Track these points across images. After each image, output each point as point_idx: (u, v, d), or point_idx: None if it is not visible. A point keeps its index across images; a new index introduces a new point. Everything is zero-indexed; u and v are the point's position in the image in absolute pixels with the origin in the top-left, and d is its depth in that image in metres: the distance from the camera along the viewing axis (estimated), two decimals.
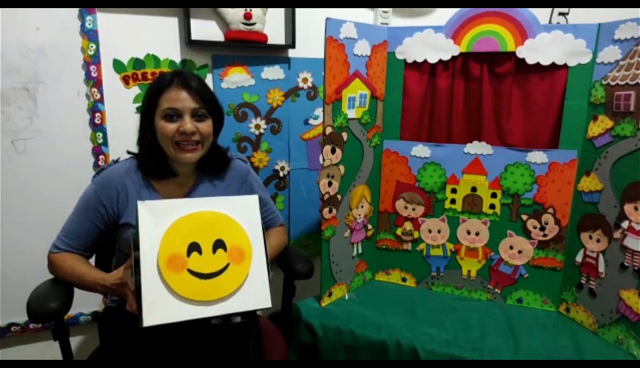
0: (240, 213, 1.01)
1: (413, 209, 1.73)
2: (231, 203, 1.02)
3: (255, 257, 0.99)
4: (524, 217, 1.61)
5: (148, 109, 1.16)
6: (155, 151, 1.18)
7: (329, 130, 1.49)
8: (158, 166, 1.19)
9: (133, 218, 1.15)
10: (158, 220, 0.93)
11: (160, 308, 0.89)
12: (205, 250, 0.95)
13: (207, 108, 1.16)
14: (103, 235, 1.21)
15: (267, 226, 1.39)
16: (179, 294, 0.90)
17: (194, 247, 0.94)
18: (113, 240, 1.25)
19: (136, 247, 0.93)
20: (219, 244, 0.96)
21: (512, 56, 1.54)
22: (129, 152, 1.27)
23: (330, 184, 1.53)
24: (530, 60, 1.51)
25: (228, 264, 0.96)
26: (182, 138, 1.13)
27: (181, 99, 1.13)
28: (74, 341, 1.73)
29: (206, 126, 1.16)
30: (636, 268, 1.35)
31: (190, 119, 1.13)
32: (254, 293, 0.98)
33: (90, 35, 1.51)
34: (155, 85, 1.16)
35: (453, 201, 1.68)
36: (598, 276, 1.47)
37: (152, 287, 0.89)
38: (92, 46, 1.52)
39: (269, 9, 1.71)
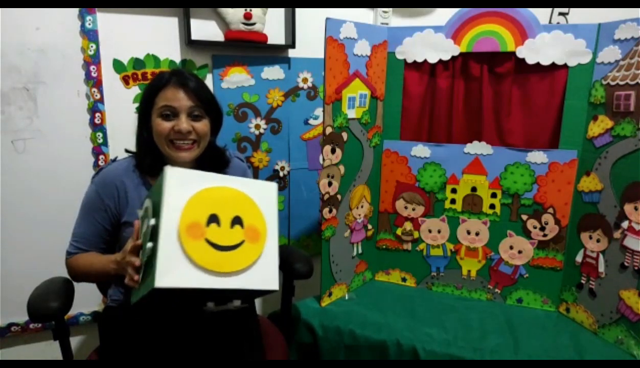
0: (259, 196, 1.02)
1: (413, 209, 1.73)
2: (252, 185, 1.03)
3: (269, 240, 1.00)
4: (524, 217, 1.61)
5: (145, 107, 1.17)
6: (152, 149, 1.18)
7: (329, 130, 1.49)
8: (154, 164, 1.19)
9: (133, 217, 1.16)
10: (183, 188, 0.94)
11: (174, 271, 0.89)
12: (224, 223, 0.95)
13: (204, 107, 1.16)
14: (111, 234, 1.21)
15: None
16: (194, 261, 0.90)
17: (214, 219, 0.94)
18: (113, 241, 1.25)
19: (154, 214, 0.94)
20: (237, 220, 0.97)
21: (512, 56, 1.54)
22: (127, 151, 1.28)
23: (330, 184, 1.53)
24: (530, 60, 1.51)
25: (243, 241, 0.96)
26: (178, 137, 1.13)
27: (178, 97, 1.13)
28: (74, 341, 1.73)
29: (202, 125, 1.16)
30: (636, 268, 1.35)
31: (186, 118, 1.14)
32: (264, 274, 0.98)
33: (90, 35, 1.51)
34: (153, 84, 1.16)
35: (453, 201, 1.68)
36: (598, 276, 1.47)
37: (169, 248, 0.90)
38: (92, 46, 1.52)
39: (269, 9, 1.72)
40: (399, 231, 1.77)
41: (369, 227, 1.77)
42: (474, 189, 1.65)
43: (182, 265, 0.90)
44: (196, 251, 0.91)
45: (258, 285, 0.98)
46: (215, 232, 0.94)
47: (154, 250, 0.90)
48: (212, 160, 1.26)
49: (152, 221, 0.93)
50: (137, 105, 1.61)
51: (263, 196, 1.02)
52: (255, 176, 1.86)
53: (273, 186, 1.06)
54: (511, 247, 1.64)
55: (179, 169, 0.96)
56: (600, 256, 1.46)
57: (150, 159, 1.19)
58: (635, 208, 1.35)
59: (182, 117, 1.13)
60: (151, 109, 1.15)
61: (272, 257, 1.00)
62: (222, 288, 0.93)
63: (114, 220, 1.19)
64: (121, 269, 1.03)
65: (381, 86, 1.66)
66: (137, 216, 1.03)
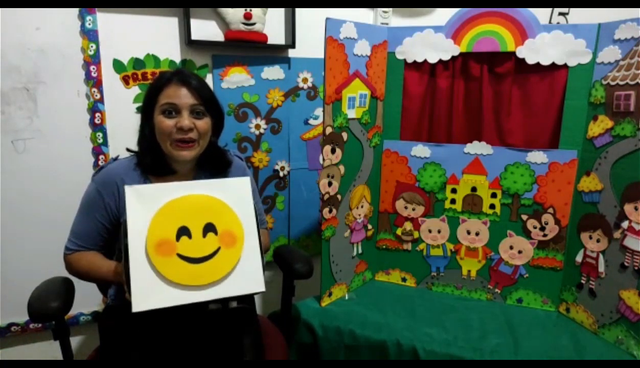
0: (231, 196, 0.99)
1: (413, 209, 1.73)
2: (222, 186, 1.00)
3: (248, 241, 0.97)
4: (524, 217, 1.61)
5: (147, 106, 1.17)
6: (154, 148, 1.18)
7: (329, 130, 1.49)
8: (156, 163, 1.20)
9: None
10: (146, 205, 0.92)
11: (150, 293, 0.88)
12: (195, 234, 0.93)
13: (205, 105, 1.17)
14: (110, 233, 1.21)
15: None
16: (168, 279, 0.89)
17: (184, 231, 0.92)
18: (113, 240, 1.25)
19: (125, 235, 0.92)
20: (209, 228, 0.94)
21: (512, 56, 1.54)
22: (128, 150, 1.28)
23: (330, 184, 1.53)
24: (530, 60, 1.51)
25: (219, 248, 0.94)
26: (179, 134, 1.14)
27: (180, 95, 1.13)
28: (74, 341, 1.73)
29: (204, 123, 1.17)
30: (636, 268, 1.35)
31: (188, 115, 1.14)
32: (247, 277, 0.96)
33: (90, 35, 1.51)
34: (155, 83, 1.18)
35: (453, 201, 1.68)
36: (598, 276, 1.47)
37: (141, 272, 0.88)
38: (92, 46, 1.52)
39: (269, 9, 1.72)
40: (399, 231, 1.77)
41: (369, 227, 1.77)
42: (474, 189, 1.65)
43: (157, 285, 0.88)
44: (169, 268, 0.89)
45: (242, 290, 0.95)
46: (187, 245, 0.92)
47: (127, 273, 0.89)
48: (213, 160, 1.27)
49: (124, 241, 0.92)
50: (137, 105, 1.62)
51: (235, 195, 0.99)
52: (255, 176, 1.86)
53: (244, 181, 1.02)
54: (511, 247, 1.64)
55: (138, 187, 0.93)
56: (600, 256, 1.46)
57: (151, 158, 1.19)
58: (635, 208, 1.35)
59: (184, 114, 1.13)
60: (153, 107, 1.15)
61: (254, 257, 0.98)
62: (205, 300, 0.92)
63: (114, 219, 1.19)
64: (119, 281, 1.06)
65: (381, 86, 1.66)
66: None
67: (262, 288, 0.97)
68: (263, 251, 1.04)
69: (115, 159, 1.26)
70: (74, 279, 1.22)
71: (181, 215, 0.93)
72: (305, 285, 1.47)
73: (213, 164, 1.27)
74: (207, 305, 0.97)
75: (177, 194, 0.95)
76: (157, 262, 0.89)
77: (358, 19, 1.58)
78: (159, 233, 0.91)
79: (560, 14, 2.11)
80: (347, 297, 1.68)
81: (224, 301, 0.97)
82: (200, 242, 0.93)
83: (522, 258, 1.63)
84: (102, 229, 1.20)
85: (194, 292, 0.91)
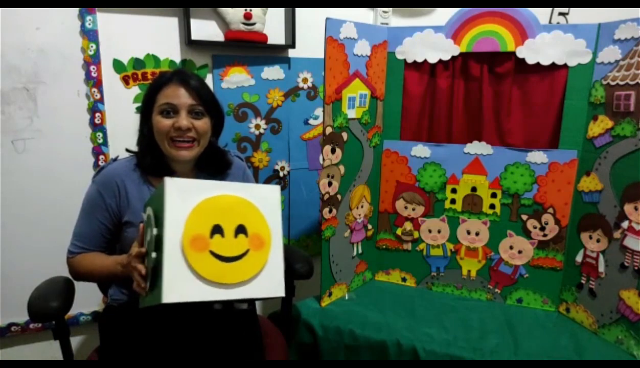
0: (262, 201, 1.01)
1: (413, 209, 1.73)
2: (255, 190, 1.02)
3: (274, 246, 1.00)
4: (524, 217, 1.61)
5: (146, 106, 1.17)
6: (153, 148, 1.18)
7: (329, 130, 1.49)
8: (155, 163, 1.19)
9: (134, 216, 1.16)
10: (184, 199, 0.93)
11: (180, 286, 0.89)
12: (228, 233, 0.94)
13: (204, 106, 1.16)
14: (112, 234, 1.21)
15: None
16: (199, 274, 0.90)
17: (217, 230, 0.94)
18: (113, 241, 1.25)
19: (157, 224, 0.93)
20: (241, 229, 0.96)
21: (512, 56, 1.54)
22: (127, 150, 1.28)
23: (330, 184, 1.53)
24: (530, 60, 1.51)
25: (248, 250, 0.96)
26: (177, 134, 1.13)
27: (178, 95, 1.13)
28: (74, 341, 1.73)
29: (202, 123, 1.16)
30: (636, 268, 1.35)
31: (186, 115, 1.14)
32: (270, 281, 0.98)
33: (90, 35, 1.51)
34: (155, 83, 1.17)
35: (453, 201, 1.68)
36: (598, 276, 1.47)
37: (174, 264, 0.89)
38: (92, 46, 1.52)
39: (269, 9, 1.72)
40: (399, 231, 1.77)
41: (369, 227, 1.77)
42: (474, 189, 1.65)
43: (188, 279, 0.89)
44: (201, 264, 0.90)
45: (264, 294, 0.98)
46: (219, 244, 0.93)
47: (158, 262, 0.90)
48: (213, 160, 1.26)
49: (155, 231, 0.92)
50: (137, 105, 1.62)
51: (266, 201, 1.01)
52: (255, 176, 1.86)
53: (275, 189, 1.04)
54: (511, 247, 1.64)
55: (178, 180, 0.94)
56: (600, 256, 1.46)
57: (150, 158, 1.19)
58: (635, 208, 1.35)
59: (182, 114, 1.13)
60: (152, 107, 1.15)
61: (278, 263, 1.00)
62: (229, 299, 0.93)
63: (115, 220, 1.19)
64: (128, 272, 1.03)
65: (381, 86, 1.66)
66: (141, 218, 1.03)
67: (283, 294, 1.00)
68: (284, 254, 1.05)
69: (115, 159, 1.26)
70: None
71: (216, 214, 0.95)
72: (305, 285, 1.47)
73: (213, 165, 1.27)
74: (213, 305, 0.98)
75: (215, 193, 0.97)
76: (190, 256, 0.90)
77: (358, 19, 1.58)
78: (195, 228, 0.92)
79: (560, 14, 2.11)
80: (347, 297, 1.68)
81: (246, 301, 1.00)
82: (232, 241, 0.95)
83: (522, 258, 1.63)
84: (104, 230, 1.20)
85: (222, 290, 0.93)
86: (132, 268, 0.99)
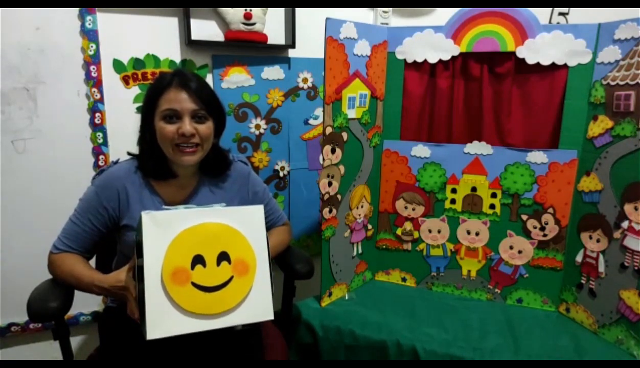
0: (245, 224, 1.00)
1: (413, 209, 1.73)
2: (236, 214, 1.01)
3: (259, 270, 0.99)
4: (524, 217, 1.61)
5: (148, 110, 1.16)
6: (155, 152, 1.17)
7: (329, 130, 1.49)
8: (158, 167, 1.19)
9: (134, 220, 1.15)
10: (162, 232, 0.93)
11: (163, 321, 0.89)
12: (210, 262, 0.94)
13: (206, 109, 1.15)
14: (103, 236, 1.20)
15: (270, 225, 1.39)
16: (182, 308, 0.90)
17: (198, 260, 0.93)
18: (114, 241, 1.25)
19: (139, 254, 0.93)
20: (223, 256, 0.96)
21: (512, 56, 1.54)
22: (129, 153, 1.27)
23: (330, 184, 1.53)
24: (530, 60, 1.51)
25: (232, 277, 0.96)
26: (182, 140, 1.13)
27: (180, 100, 1.12)
28: (74, 341, 1.73)
29: (206, 128, 1.15)
30: (636, 268, 1.35)
31: (189, 120, 1.13)
32: (256, 306, 0.98)
33: (90, 35, 1.51)
34: (155, 86, 1.16)
35: (453, 201, 1.68)
36: (598, 276, 1.47)
37: (155, 300, 0.89)
38: (92, 46, 1.52)
39: (269, 9, 1.72)
40: (399, 231, 1.77)
41: (369, 227, 1.77)
42: (474, 189, 1.65)
43: (171, 313, 0.90)
44: (184, 297, 0.90)
45: (251, 319, 0.98)
46: (201, 274, 0.93)
47: (141, 296, 0.90)
48: (216, 162, 1.26)
49: (139, 261, 0.92)
50: (137, 105, 1.62)
51: (248, 223, 1.01)
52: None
53: (259, 209, 1.04)
54: (511, 247, 1.64)
55: (156, 213, 0.94)
56: (600, 256, 1.46)
57: (153, 162, 1.18)
58: (635, 208, 1.35)
59: (186, 120, 1.12)
60: (154, 112, 1.14)
61: (264, 286, 1.00)
62: (216, 328, 0.94)
63: (111, 223, 1.18)
64: (118, 297, 1.07)
65: (381, 86, 1.66)
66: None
67: (271, 317, 1.00)
68: (272, 275, 1.05)
69: (116, 162, 1.24)
70: None
71: (196, 244, 0.94)
72: (305, 285, 1.47)
73: (215, 167, 1.27)
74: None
75: (193, 222, 0.96)
76: (172, 290, 0.90)
77: (358, 19, 1.58)
78: (175, 261, 0.92)
79: (560, 14, 2.11)
80: (347, 297, 1.68)
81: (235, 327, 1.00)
82: (214, 270, 0.94)
83: (522, 258, 1.63)
84: (95, 233, 1.18)
85: (206, 321, 0.93)
86: (124, 296, 1.03)
